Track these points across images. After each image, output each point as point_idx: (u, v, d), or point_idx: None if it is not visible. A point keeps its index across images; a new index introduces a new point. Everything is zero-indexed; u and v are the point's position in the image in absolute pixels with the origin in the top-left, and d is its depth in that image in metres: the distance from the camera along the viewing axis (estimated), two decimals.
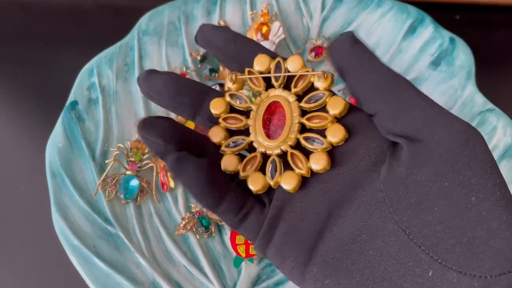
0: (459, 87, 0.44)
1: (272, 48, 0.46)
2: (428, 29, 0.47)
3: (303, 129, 0.26)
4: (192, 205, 0.40)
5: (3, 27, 0.54)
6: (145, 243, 0.38)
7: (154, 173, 0.41)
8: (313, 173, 0.25)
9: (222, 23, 0.48)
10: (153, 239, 0.39)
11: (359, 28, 0.49)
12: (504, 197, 0.20)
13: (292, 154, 0.26)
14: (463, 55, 0.45)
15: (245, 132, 0.27)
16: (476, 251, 0.20)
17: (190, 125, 0.44)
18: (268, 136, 0.26)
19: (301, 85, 0.27)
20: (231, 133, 0.27)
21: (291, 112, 0.26)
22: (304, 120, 0.26)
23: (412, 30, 0.47)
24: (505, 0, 0.53)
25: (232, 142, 0.27)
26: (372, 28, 0.49)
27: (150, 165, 0.41)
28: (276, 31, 0.47)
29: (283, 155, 0.26)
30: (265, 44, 0.46)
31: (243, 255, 0.38)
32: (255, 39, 0.47)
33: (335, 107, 0.25)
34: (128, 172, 0.40)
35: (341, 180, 0.24)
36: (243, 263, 0.38)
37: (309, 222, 0.24)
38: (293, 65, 0.27)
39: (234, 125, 0.27)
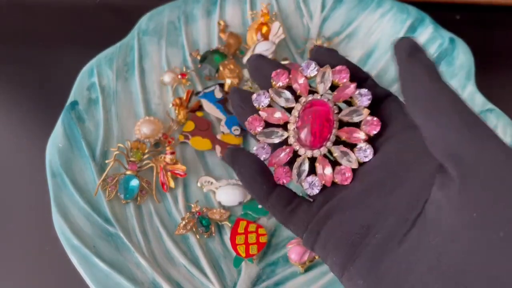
0: (459, 87, 0.44)
1: (272, 48, 0.46)
2: (428, 29, 0.47)
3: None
4: (192, 205, 0.40)
5: (3, 28, 0.54)
6: (145, 243, 0.38)
7: (154, 173, 0.41)
8: (374, 184, 0.26)
9: (222, 24, 0.49)
10: (153, 239, 0.39)
11: (359, 28, 0.49)
12: None
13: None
14: (463, 55, 0.45)
15: (282, 125, 0.29)
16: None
17: (190, 125, 0.44)
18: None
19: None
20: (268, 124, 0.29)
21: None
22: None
23: (412, 30, 0.47)
24: (505, 0, 0.53)
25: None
26: (372, 28, 0.49)
27: (150, 165, 0.41)
28: (276, 31, 0.47)
29: (311, 158, 0.28)
30: (265, 44, 0.46)
31: (243, 255, 0.38)
32: (255, 39, 0.47)
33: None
34: (128, 172, 0.40)
35: (397, 196, 0.25)
36: (243, 263, 0.38)
37: (357, 226, 0.25)
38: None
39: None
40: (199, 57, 0.47)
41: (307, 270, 0.38)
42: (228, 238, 0.39)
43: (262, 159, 0.28)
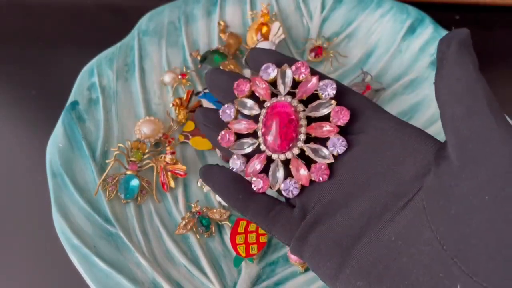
0: None
1: (272, 48, 0.46)
2: (428, 29, 0.47)
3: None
4: (192, 205, 0.40)
5: (3, 28, 0.54)
6: (145, 243, 0.38)
7: (154, 173, 0.41)
8: (357, 181, 0.26)
9: (222, 24, 0.49)
10: (153, 239, 0.39)
11: (359, 28, 0.49)
12: None
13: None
14: None
15: (253, 133, 0.29)
16: (509, 270, 0.20)
17: (191, 125, 0.44)
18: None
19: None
20: (240, 135, 0.29)
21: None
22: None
23: (412, 30, 0.47)
24: (505, 0, 0.53)
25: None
26: (372, 29, 0.49)
27: (150, 165, 0.41)
28: (276, 31, 0.47)
29: (286, 161, 0.28)
30: (265, 44, 0.46)
31: (243, 255, 0.38)
32: (255, 39, 0.47)
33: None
34: (129, 172, 0.40)
35: (384, 190, 0.25)
36: (243, 263, 0.38)
37: (348, 227, 0.25)
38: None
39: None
40: (199, 57, 0.47)
41: (307, 269, 0.38)
42: (228, 237, 0.39)
43: (240, 171, 0.28)
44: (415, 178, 0.24)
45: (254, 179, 0.28)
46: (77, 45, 0.52)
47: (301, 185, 0.27)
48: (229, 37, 0.48)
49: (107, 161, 0.41)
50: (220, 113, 0.29)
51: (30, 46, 0.52)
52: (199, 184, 0.42)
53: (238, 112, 0.29)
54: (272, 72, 0.28)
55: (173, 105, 0.44)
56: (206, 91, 0.46)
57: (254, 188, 0.28)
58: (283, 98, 0.27)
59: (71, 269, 0.36)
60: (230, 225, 0.39)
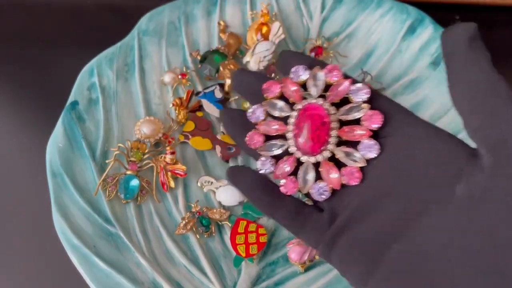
0: None
1: (272, 49, 0.46)
2: (428, 29, 0.47)
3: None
4: (192, 205, 0.40)
5: (3, 28, 0.54)
6: (145, 243, 0.38)
7: (154, 173, 0.41)
8: (388, 185, 0.25)
9: (222, 24, 0.49)
10: (153, 239, 0.39)
11: (359, 28, 0.49)
12: None
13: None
14: None
15: (280, 135, 0.28)
16: None
17: (191, 125, 0.44)
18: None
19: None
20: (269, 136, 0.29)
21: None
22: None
23: (411, 30, 0.47)
24: (505, 0, 0.53)
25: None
26: (372, 29, 0.49)
27: (150, 165, 0.41)
28: (276, 31, 0.47)
29: (316, 164, 0.27)
30: (265, 44, 0.46)
31: (243, 255, 0.38)
32: (255, 39, 0.47)
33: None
34: (128, 172, 0.40)
35: (415, 195, 0.24)
36: (243, 263, 0.38)
37: (377, 232, 0.24)
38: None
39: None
40: (199, 57, 0.47)
41: (307, 269, 0.38)
42: (228, 237, 0.39)
43: (267, 173, 0.28)
44: (446, 185, 0.23)
45: (283, 181, 0.27)
46: (77, 45, 0.52)
47: (331, 188, 0.26)
48: (229, 37, 0.48)
49: (107, 161, 0.41)
50: (250, 114, 0.29)
51: (30, 46, 0.52)
52: (199, 184, 0.42)
53: (267, 113, 0.29)
54: (303, 74, 0.28)
55: (173, 105, 0.44)
56: (206, 91, 0.46)
57: (283, 191, 0.27)
58: (314, 100, 0.27)
59: (71, 269, 0.36)
60: (230, 225, 0.39)
